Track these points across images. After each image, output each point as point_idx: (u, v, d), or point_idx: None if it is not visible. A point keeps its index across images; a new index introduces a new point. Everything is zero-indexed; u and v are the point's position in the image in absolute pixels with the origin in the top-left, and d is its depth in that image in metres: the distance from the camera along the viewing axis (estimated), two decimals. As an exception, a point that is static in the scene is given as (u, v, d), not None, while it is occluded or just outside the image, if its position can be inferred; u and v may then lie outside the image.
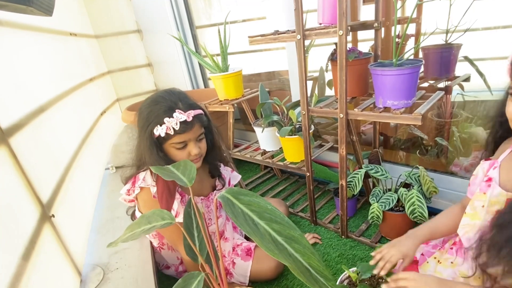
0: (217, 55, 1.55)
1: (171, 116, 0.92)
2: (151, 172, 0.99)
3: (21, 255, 0.68)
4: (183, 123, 0.93)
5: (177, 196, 1.01)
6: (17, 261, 0.66)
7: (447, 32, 1.18)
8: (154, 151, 0.94)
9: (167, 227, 0.67)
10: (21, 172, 0.77)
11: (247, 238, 1.26)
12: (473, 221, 0.76)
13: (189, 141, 0.98)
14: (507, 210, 0.63)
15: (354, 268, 0.91)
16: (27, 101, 0.96)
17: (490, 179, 0.75)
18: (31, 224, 0.76)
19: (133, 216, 1.20)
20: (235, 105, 1.57)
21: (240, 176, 1.25)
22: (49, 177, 0.96)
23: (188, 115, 0.94)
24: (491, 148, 0.81)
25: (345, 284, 0.92)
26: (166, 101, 0.95)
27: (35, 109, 0.98)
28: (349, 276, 0.91)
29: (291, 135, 1.36)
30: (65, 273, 0.88)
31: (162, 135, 0.93)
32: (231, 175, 1.21)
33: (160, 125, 0.92)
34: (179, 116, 0.92)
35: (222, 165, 1.18)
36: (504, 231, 0.60)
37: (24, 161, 0.79)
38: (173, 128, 0.92)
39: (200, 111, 0.98)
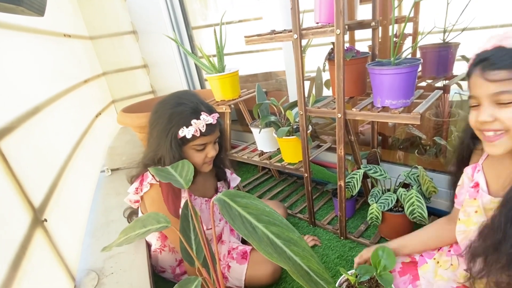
0: (214, 56, 1.53)
1: (198, 118, 0.94)
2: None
3: (11, 261, 0.66)
4: (209, 125, 0.95)
5: (185, 195, 1.00)
6: (7, 267, 0.64)
7: (444, 31, 1.18)
8: (177, 153, 0.94)
9: (172, 228, 0.65)
10: (11, 175, 0.75)
11: (243, 242, 1.24)
12: (469, 227, 0.76)
13: (209, 143, 0.99)
14: (488, 222, 0.66)
15: (353, 270, 0.89)
16: (19, 104, 0.94)
17: (477, 184, 0.75)
18: (22, 229, 0.74)
19: (129, 218, 1.18)
20: (232, 106, 1.55)
21: (239, 179, 1.25)
22: (41, 181, 0.94)
23: (213, 117, 0.96)
24: (467, 157, 0.82)
25: (344, 287, 0.90)
26: (190, 103, 0.96)
27: (27, 112, 0.96)
28: (347, 279, 0.90)
29: (289, 136, 1.34)
30: (58, 278, 0.86)
31: (188, 136, 0.93)
32: (231, 177, 1.21)
33: (187, 127, 0.93)
34: (206, 118, 0.94)
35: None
36: (485, 241, 0.65)
37: (15, 165, 0.77)
38: (199, 130, 0.93)
39: (218, 115, 0.99)
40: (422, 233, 0.93)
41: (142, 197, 1.01)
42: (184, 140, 0.95)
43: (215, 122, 0.96)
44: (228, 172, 1.20)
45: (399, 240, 0.94)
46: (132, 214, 1.17)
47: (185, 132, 0.93)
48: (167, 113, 0.95)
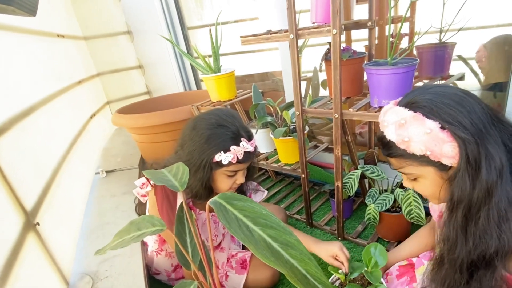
0: (209, 56, 1.52)
1: (237, 144, 0.88)
2: None
3: (3, 266, 0.64)
4: (246, 153, 0.89)
5: (181, 199, 0.98)
6: (-2, 273, 0.62)
7: (441, 31, 1.17)
8: (206, 176, 0.88)
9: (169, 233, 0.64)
10: (2, 178, 0.74)
11: (243, 247, 1.23)
12: None
13: (241, 170, 0.94)
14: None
15: (343, 269, 0.90)
16: (11, 105, 0.92)
17: (442, 214, 0.74)
18: (14, 233, 0.73)
19: (138, 207, 1.16)
20: (228, 106, 1.54)
21: (265, 193, 1.18)
22: (34, 183, 0.92)
23: (252, 145, 0.91)
24: None
25: (337, 285, 0.90)
26: (232, 126, 0.89)
27: (19, 113, 0.94)
28: (339, 277, 0.90)
29: (286, 136, 1.34)
30: (51, 282, 0.84)
31: (225, 162, 0.87)
32: (255, 192, 1.17)
33: (225, 152, 0.87)
34: (246, 145, 0.89)
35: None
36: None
37: (6, 167, 0.76)
38: (237, 157, 0.88)
39: (255, 141, 0.95)
40: (406, 247, 0.95)
41: (147, 194, 0.99)
42: (218, 165, 0.89)
43: (253, 150, 0.91)
44: (254, 184, 1.15)
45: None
46: (140, 204, 1.15)
47: (222, 157, 0.86)
48: (206, 132, 0.88)
